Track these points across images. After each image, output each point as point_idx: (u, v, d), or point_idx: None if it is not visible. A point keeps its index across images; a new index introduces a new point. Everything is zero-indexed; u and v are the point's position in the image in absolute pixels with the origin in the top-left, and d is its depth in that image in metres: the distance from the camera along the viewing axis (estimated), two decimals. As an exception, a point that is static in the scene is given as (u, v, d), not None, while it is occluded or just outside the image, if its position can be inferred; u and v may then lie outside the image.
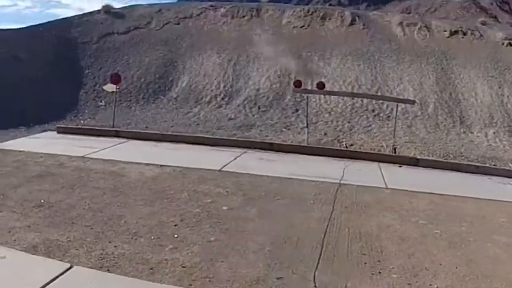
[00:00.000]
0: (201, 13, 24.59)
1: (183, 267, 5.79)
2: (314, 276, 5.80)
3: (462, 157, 13.43)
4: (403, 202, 9.06)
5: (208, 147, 12.91)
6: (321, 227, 7.40)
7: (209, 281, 5.51)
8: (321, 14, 24.46)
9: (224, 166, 10.88)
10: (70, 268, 5.44)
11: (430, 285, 5.74)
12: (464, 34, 23.08)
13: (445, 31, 23.29)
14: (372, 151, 13.46)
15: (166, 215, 7.48)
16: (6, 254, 5.66)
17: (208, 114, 17.07)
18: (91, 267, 5.58)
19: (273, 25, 23.53)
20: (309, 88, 17.81)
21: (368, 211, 8.40)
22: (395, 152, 13.31)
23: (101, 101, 17.38)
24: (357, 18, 24.32)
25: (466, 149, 14.53)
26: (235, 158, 11.84)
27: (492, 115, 17.32)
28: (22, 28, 21.20)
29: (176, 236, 6.70)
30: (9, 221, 6.78)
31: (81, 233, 6.54)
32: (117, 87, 15.29)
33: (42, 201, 7.71)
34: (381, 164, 12.13)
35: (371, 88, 18.79)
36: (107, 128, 14.10)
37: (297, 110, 17.41)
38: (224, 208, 8.04)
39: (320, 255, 6.40)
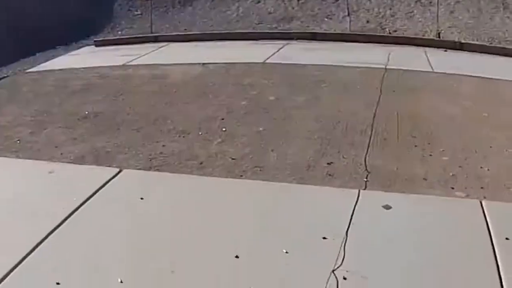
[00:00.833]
0: None
1: (233, 159, 5.65)
2: (365, 160, 5.61)
3: (508, 42, 12.77)
4: (450, 85, 8.71)
5: (250, 42, 12.53)
6: (370, 111, 7.13)
7: (260, 170, 5.38)
8: None
9: (267, 59, 10.56)
10: (119, 172, 5.34)
11: (481, 167, 5.47)
12: None
13: None
14: (416, 36, 12.92)
15: (212, 109, 7.31)
16: (53, 168, 5.56)
17: (246, 10, 16.54)
18: (140, 169, 5.48)
19: None
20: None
21: (416, 94, 8.09)
22: (439, 37, 12.74)
23: (136, 10, 17.03)
24: None
25: (510, 33, 13.80)
26: (278, 50, 11.47)
27: None
28: None
29: (224, 129, 6.55)
30: (54, 137, 6.65)
31: (128, 137, 6.43)
32: (151, -8, 14.90)
33: (87, 112, 7.57)
34: (426, 49, 11.66)
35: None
36: (146, 35, 13.82)
37: (337, 0, 16.76)
38: (271, 98, 7.83)
39: (370, 139, 6.19)
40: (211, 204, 4.62)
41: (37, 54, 12.72)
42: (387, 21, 14.86)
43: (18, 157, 5.97)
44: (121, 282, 3.47)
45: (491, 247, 3.88)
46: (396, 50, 11.54)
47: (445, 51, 11.83)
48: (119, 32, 15.19)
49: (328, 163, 5.51)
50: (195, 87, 8.57)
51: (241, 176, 5.25)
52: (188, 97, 8.00)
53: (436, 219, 4.39)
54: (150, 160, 5.72)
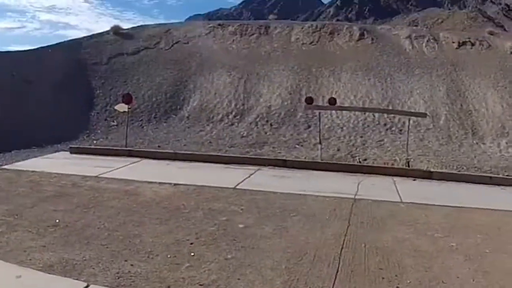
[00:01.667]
0: (209, 32, 24.77)
1: (200, 285, 5.75)
2: (332, 292, 5.72)
3: (475, 169, 13.32)
4: (418, 215, 8.96)
5: (222, 165, 12.86)
6: (338, 243, 7.33)
7: (227, 298, 5.47)
8: (329, 29, 24.60)
9: (238, 184, 10.83)
10: (87, 287, 5.42)
11: None
12: (473, 44, 23.13)
13: (453, 42, 23.35)
14: (385, 165, 13.36)
15: (181, 233, 7.45)
16: (22, 273, 5.66)
17: (220, 132, 17.09)
18: (107, 286, 5.55)
19: (282, 42, 23.65)
20: (320, 104, 17.79)
21: (384, 225, 8.31)
22: (408, 166, 13.21)
23: (113, 121, 17.45)
24: (365, 32, 24.44)
25: (479, 160, 14.43)
26: (249, 176, 11.78)
27: (503, 125, 17.24)
28: (31, 49, 21.39)
29: (192, 254, 6.66)
30: (24, 241, 6.78)
31: (96, 252, 6.51)
32: (129, 106, 15.32)
33: (57, 220, 7.70)
34: (395, 178, 12.02)
35: (382, 102, 18.78)
36: (120, 148, 14.14)
37: (309, 126, 17.41)
38: (240, 225, 7.99)
39: (337, 271, 6.33)
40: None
41: (13, 152, 12.93)
42: (358, 149, 15.40)
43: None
44: None
45: None
46: (366, 179, 11.87)
47: (414, 180, 12.14)
48: (94, 142, 15.47)
49: (294, 296, 5.61)
50: (165, 208, 8.74)
51: (208, 303, 5.33)
52: (158, 218, 8.14)
53: None
54: (118, 278, 5.78)
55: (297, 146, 15.67)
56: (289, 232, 7.77)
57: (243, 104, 18.88)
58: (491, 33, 26.20)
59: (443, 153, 15.06)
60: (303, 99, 17.80)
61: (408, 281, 6.08)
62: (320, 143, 14.72)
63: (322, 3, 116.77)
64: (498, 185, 11.87)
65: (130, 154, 13.63)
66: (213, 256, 6.63)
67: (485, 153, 15.35)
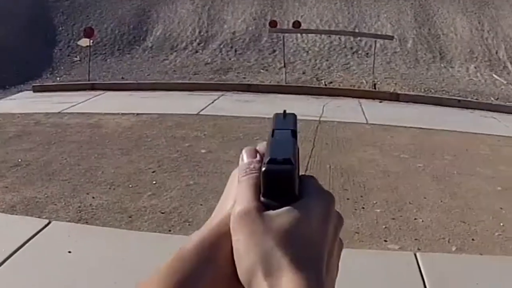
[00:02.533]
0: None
1: (162, 213, 5.81)
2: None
3: (443, 92, 13.41)
4: (384, 137, 9.06)
5: (185, 93, 12.77)
6: (302, 164, 7.38)
7: (189, 224, 5.54)
8: None
9: (201, 110, 10.81)
10: (48, 223, 5.44)
11: (415, 219, 5.75)
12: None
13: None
14: (351, 88, 13.38)
15: (143, 162, 7.47)
16: (-17, 216, 5.65)
17: (184, 60, 16.87)
18: (69, 221, 5.58)
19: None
20: (285, 28, 17.56)
21: (349, 147, 8.40)
22: (375, 88, 13.22)
23: (76, 56, 17.12)
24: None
25: (447, 83, 14.51)
26: (213, 102, 11.75)
27: (472, 50, 17.20)
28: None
29: (154, 182, 6.71)
30: (-15, 184, 6.74)
31: (58, 188, 6.51)
32: (91, 40, 15.00)
33: (19, 160, 7.62)
34: (361, 100, 12.08)
35: (348, 26, 18.52)
36: (83, 82, 13.93)
37: (274, 51, 17.23)
38: (203, 151, 8.04)
39: (301, 191, 6.41)
40: (137, 259, 4.75)
41: (-24, 96, 12.74)
42: (323, 72, 15.36)
43: None
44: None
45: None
46: (331, 101, 11.92)
47: (380, 102, 12.25)
48: (58, 78, 15.23)
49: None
50: (127, 138, 8.72)
51: (170, 230, 5.41)
52: (120, 149, 8.13)
53: (370, 273, 4.54)
54: (80, 212, 5.82)
55: (262, 70, 15.57)
56: (252, 155, 7.82)
57: (207, 31, 18.55)
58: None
59: (410, 76, 15.08)
60: (267, 24, 17.54)
61: (374, 202, 6.17)
62: (284, 66, 14.64)
63: None
64: (467, 108, 11.99)
65: (93, 87, 13.42)
66: (175, 183, 6.69)
67: (453, 77, 15.41)
